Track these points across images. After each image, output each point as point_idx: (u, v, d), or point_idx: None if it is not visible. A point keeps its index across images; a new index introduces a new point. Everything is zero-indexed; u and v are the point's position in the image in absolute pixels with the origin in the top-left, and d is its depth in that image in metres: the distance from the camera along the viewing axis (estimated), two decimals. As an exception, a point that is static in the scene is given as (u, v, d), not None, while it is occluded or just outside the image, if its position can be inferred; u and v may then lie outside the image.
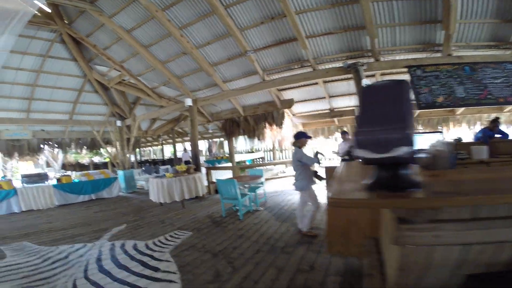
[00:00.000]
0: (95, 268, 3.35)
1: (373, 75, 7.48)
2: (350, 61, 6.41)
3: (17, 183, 8.38)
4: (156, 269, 3.26)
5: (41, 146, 10.60)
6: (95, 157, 19.47)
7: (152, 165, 13.22)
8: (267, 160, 16.47)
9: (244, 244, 4.10)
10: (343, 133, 7.08)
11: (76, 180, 9.00)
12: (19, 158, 10.18)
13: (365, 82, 6.25)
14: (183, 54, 7.80)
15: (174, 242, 4.36)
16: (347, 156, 4.55)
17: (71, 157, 14.88)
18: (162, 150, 20.80)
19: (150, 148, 26.27)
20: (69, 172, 12.32)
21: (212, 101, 9.01)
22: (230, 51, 7.46)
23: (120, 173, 10.41)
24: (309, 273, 3.05)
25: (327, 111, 9.96)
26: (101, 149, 12.56)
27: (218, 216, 5.86)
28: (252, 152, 17.42)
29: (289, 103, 9.03)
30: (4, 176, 7.83)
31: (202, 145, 24.16)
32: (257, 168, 8.12)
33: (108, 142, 12.37)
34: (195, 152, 8.89)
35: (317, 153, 4.17)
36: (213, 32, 7.00)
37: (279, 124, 9.66)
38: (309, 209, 4.20)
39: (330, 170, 4.43)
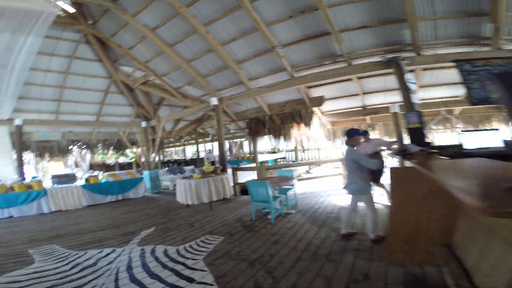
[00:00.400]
0: (126, 278, 3.07)
1: (412, 70, 6.89)
2: (389, 56, 5.92)
3: (47, 183, 8.44)
4: (191, 280, 2.94)
5: (70, 147, 10.71)
6: (120, 158, 19.85)
7: (176, 166, 13.11)
8: (289, 161, 16.01)
9: (281, 251, 3.73)
10: (364, 134, 5.77)
11: (103, 181, 8.97)
12: (49, 158, 10.33)
13: (408, 76, 5.75)
14: (208, 52, 7.54)
15: (206, 249, 4.04)
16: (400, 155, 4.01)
17: (98, 158, 15.10)
18: (183, 150, 20.82)
19: (172, 148, 26.53)
20: (96, 173, 12.46)
21: (238, 100, 8.70)
22: (256, 47, 7.15)
23: (146, 173, 10.32)
24: (364, 283, 2.66)
25: (358, 108, 9.39)
26: (127, 150, 12.56)
27: (248, 220, 5.52)
28: (274, 152, 16.99)
29: (319, 101, 8.54)
30: (35, 177, 7.87)
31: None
32: (286, 169, 7.69)
33: (133, 143, 12.40)
34: (222, 152, 8.59)
35: (397, 141, 3.84)
36: (239, 28, 6.71)
37: (308, 123, 9.20)
38: (355, 214, 3.76)
39: (398, 173, 3.20)
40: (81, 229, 5.80)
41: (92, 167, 17.63)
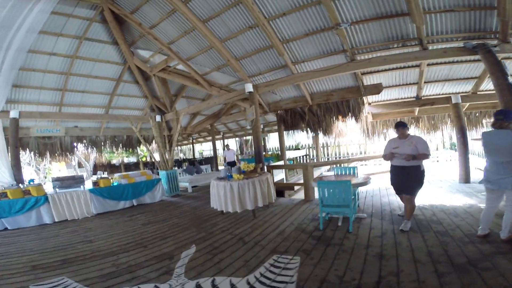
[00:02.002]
0: None
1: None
2: (474, 42, 5.16)
3: (49, 187, 6.90)
4: None
5: (74, 144, 9.16)
6: (125, 157, 18.23)
7: (192, 165, 11.60)
8: (312, 158, 14.56)
9: (402, 266, 2.79)
10: (401, 126, 4.27)
11: (115, 183, 7.45)
12: (51, 158, 8.77)
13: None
14: (249, 28, 6.14)
15: (288, 276, 2.76)
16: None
17: (103, 157, 13.50)
18: (192, 148, 19.29)
19: (177, 147, 24.94)
20: (104, 174, 10.91)
21: (277, 86, 7.27)
22: (310, 24, 5.82)
23: (163, 174, 8.82)
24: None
25: (411, 99, 8.02)
26: (138, 147, 11.03)
27: (314, 229, 4.47)
28: (298, 148, 15.53)
29: (377, 89, 7.11)
30: (32, 180, 6.35)
31: (233, 144, 22.56)
32: (348, 165, 6.31)
33: (144, 140, 10.86)
34: (259, 148, 7.15)
35: None
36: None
37: (357, 115, 7.79)
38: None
39: None
40: (96, 249, 4.31)
41: (96, 167, 16.05)
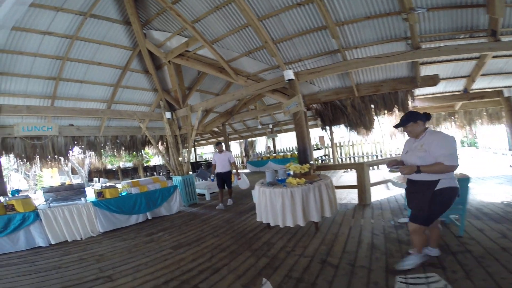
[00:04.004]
0: None
1: None
2: None
3: (40, 199, 5.34)
4: None
5: (69, 147, 7.55)
6: (120, 162, 16.39)
7: (205, 169, 10.13)
8: (330, 159, 13.33)
9: None
10: (405, 120, 2.81)
11: (124, 193, 5.95)
12: (41, 163, 7.12)
13: None
14: (297, 6, 5.03)
15: None
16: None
17: (99, 162, 11.76)
18: (194, 151, 17.69)
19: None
20: (100, 182, 9.27)
21: (324, 74, 6.10)
22: (373, 6, 4.95)
23: (178, 180, 7.36)
24: None
25: (456, 93, 7.28)
26: (143, 150, 9.47)
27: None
28: (318, 149, 14.27)
29: (433, 80, 6.24)
30: (17, 191, 4.77)
31: (235, 146, 21.10)
32: None
33: (150, 141, 9.35)
34: (304, 146, 5.86)
35: None
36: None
37: (405, 108, 6.67)
38: None
39: None
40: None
41: (91, 173, 14.23)
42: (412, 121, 2.66)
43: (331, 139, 11.57)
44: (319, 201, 4.18)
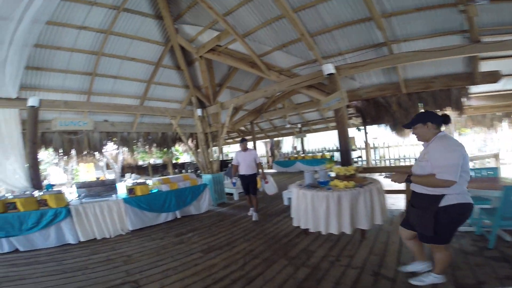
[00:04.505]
0: None
1: None
2: None
3: (72, 196, 5.15)
4: None
5: (104, 142, 7.44)
6: (150, 158, 16.45)
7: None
8: (363, 161, 12.37)
9: None
10: (416, 121, 2.35)
11: (154, 190, 5.63)
12: (77, 157, 7.06)
13: None
14: None
15: None
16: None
17: (131, 158, 11.76)
18: (221, 149, 17.36)
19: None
20: (132, 177, 9.15)
21: (368, 68, 5.44)
22: None
23: (207, 178, 6.97)
24: None
25: None
26: (173, 147, 9.24)
27: (479, 249, 3.09)
28: (354, 150, 13.34)
29: (493, 77, 5.37)
30: (51, 185, 4.58)
31: (261, 146, 20.54)
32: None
33: (180, 138, 9.09)
34: (346, 146, 5.21)
35: None
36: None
37: (458, 107, 5.76)
38: None
39: None
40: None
41: (124, 169, 14.39)
42: (421, 122, 2.18)
43: (366, 140, 10.67)
44: (370, 206, 3.55)
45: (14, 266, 3.48)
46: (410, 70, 5.75)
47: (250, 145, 14.47)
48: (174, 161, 15.90)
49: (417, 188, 2.24)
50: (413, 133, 2.30)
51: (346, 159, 5.20)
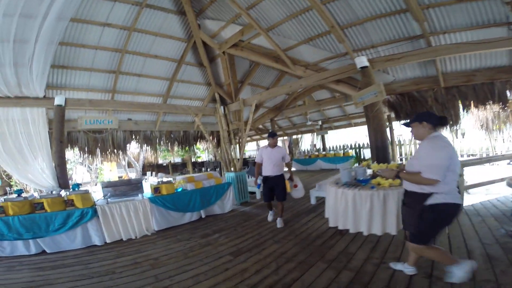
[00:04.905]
0: None
1: None
2: None
3: (99, 193, 4.98)
4: None
5: (127, 141, 7.29)
6: (169, 156, 16.33)
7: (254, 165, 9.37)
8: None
9: None
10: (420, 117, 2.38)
11: (179, 189, 5.36)
12: (102, 156, 6.94)
13: None
14: None
15: None
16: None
17: (153, 157, 11.65)
18: (239, 147, 17.04)
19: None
20: (152, 176, 8.99)
21: (405, 61, 5.00)
22: None
23: (230, 176, 6.65)
24: None
25: None
26: (195, 145, 9.00)
27: None
28: (360, 148, 12.66)
29: None
30: (77, 185, 4.37)
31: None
32: None
33: (201, 136, 8.84)
34: (383, 143, 4.74)
35: None
36: None
37: (502, 101, 5.14)
38: None
39: None
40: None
41: (145, 168, 14.38)
42: (418, 121, 2.22)
43: (391, 136, 9.99)
44: None
45: (41, 270, 3.28)
46: (449, 63, 5.19)
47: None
48: (194, 160, 15.79)
49: (408, 186, 2.24)
50: (410, 132, 2.33)
51: (383, 156, 4.72)
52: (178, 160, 17.74)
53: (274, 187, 4.43)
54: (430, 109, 5.66)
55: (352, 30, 5.06)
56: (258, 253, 3.53)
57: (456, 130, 6.08)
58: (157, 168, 15.42)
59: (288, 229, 4.43)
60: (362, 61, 4.84)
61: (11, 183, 11.10)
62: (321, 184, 5.90)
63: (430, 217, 2.07)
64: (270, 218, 4.78)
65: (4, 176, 11.16)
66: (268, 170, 4.41)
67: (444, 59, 5.06)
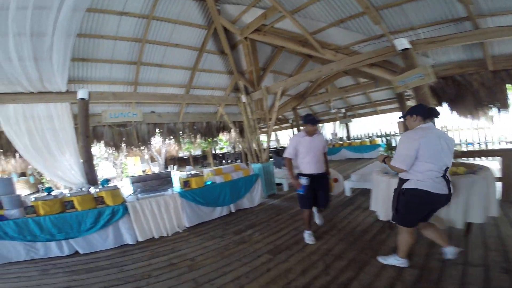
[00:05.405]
0: None
1: None
2: None
3: (127, 190, 4.71)
4: None
5: (151, 134, 7.00)
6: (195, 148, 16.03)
7: (280, 156, 8.95)
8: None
9: None
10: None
11: (208, 182, 5.01)
12: (127, 151, 6.70)
13: None
14: None
15: None
16: None
17: (176, 149, 11.41)
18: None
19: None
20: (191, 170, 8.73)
21: (449, 43, 4.27)
22: None
23: (257, 168, 6.26)
24: None
25: None
26: (217, 137, 8.63)
27: None
28: (388, 136, 11.86)
29: None
30: (106, 181, 4.10)
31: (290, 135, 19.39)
32: None
33: (224, 127, 8.45)
34: None
35: None
36: None
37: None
38: None
39: None
40: None
41: (167, 161, 14.21)
42: (409, 114, 2.33)
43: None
44: (485, 195, 2.72)
45: (75, 274, 3.03)
46: (497, 46, 4.48)
47: (285, 132, 13.52)
48: (213, 152, 15.52)
49: (400, 174, 2.38)
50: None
51: None
52: (197, 152, 17.55)
53: (319, 189, 3.32)
54: (476, 93, 4.97)
55: (389, 12, 4.45)
56: (300, 251, 3.16)
57: (489, 115, 5.33)
58: (178, 161, 15.29)
59: (327, 223, 4.01)
60: (402, 43, 4.23)
61: (43, 181, 11.26)
62: (360, 174, 5.41)
63: (403, 200, 2.30)
64: (309, 240, 3.37)
65: (36, 173, 11.36)
66: (310, 167, 3.28)
67: (492, 42, 4.37)
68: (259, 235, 3.89)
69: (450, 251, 2.40)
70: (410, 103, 8.37)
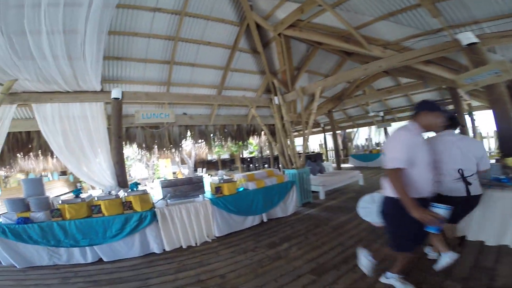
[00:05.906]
0: None
1: None
2: None
3: (156, 194, 4.38)
4: None
5: (182, 136, 6.72)
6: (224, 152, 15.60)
7: (314, 161, 8.23)
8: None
9: None
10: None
11: (240, 189, 4.51)
12: (159, 153, 6.47)
13: None
14: None
15: None
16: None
17: (207, 152, 11.11)
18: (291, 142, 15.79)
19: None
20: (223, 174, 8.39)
21: None
22: None
23: (292, 174, 5.65)
24: None
25: None
26: (248, 140, 8.16)
27: None
28: None
29: None
30: (135, 185, 3.78)
31: (329, 139, 18.37)
32: None
33: (254, 130, 7.97)
34: (509, 131, 3.34)
35: None
36: None
37: None
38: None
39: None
40: None
41: (196, 164, 14.06)
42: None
43: (474, 128, 7.94)
44: None
45: (96, 284, 2.68)
46: None
47: (314, 137, 12.59)
48: (241, 156, 15.05)
49: None
50: None
51: (508, 148, 3.28)
52: (225, 156, 17.19)
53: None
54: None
55: (447, 4, 3.72)
56: (351, 271, 2.55)
57: None
58: (207, 164, 15.06)
59: (380, 239, 3.30)
60: (468, 37, 3.52)
61: (81, 180, 11.54)
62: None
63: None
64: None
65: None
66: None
67: None
68: (297, 250, 3.30)
69: (449, 256, 2.15)
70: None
